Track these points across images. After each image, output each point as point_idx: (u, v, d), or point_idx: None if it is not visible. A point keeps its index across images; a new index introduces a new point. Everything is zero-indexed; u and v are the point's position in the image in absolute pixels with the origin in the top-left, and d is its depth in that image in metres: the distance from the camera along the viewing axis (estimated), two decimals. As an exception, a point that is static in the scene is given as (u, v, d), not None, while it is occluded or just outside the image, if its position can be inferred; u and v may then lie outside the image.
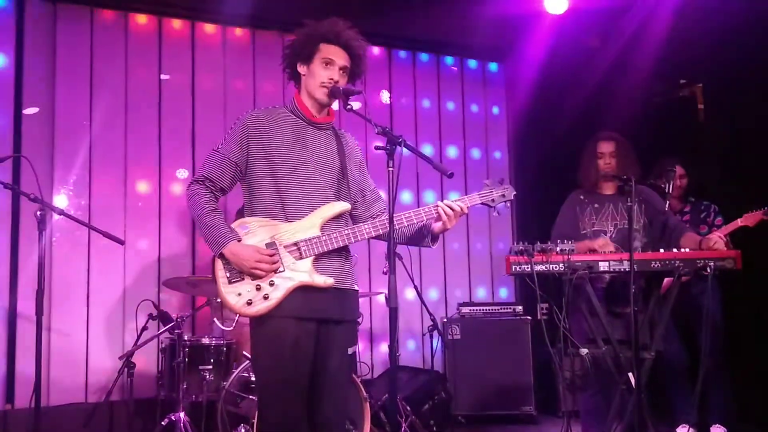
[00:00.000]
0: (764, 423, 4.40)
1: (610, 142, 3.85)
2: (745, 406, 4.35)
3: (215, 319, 3.87)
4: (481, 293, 6.01)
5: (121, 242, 3.44)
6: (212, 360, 4.07)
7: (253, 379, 3.92)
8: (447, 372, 5.13)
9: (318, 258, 2.50)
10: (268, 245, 2.47)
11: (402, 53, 5.97)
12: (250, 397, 3.87)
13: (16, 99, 4.66)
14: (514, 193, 2.65)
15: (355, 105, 2.54)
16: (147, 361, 4.71)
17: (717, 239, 3.44)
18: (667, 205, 3.81)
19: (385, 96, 5.86)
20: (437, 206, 2.56)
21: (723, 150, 4.84)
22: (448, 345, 5.10)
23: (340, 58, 2.59)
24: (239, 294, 2.45)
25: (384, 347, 5.36)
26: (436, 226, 2.62)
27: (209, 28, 5.29)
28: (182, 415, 3.89)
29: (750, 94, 4.66)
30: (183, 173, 5.11)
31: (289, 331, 2.43)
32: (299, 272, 2.47)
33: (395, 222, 2.47)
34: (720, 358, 4.18)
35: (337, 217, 2.57)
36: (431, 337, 4.73)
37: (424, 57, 6.06)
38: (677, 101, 5.60)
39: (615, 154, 3.80)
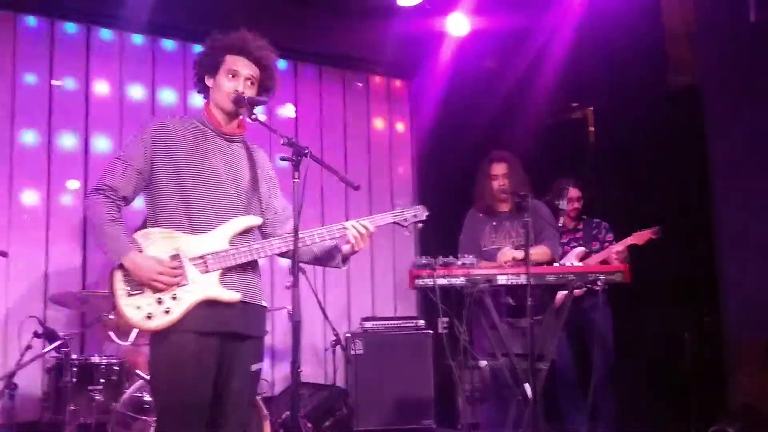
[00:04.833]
0: (646, 428, 4.63)
1: (501, 163, 4.03)
2: (629, 414, 4.57)
3: (111, 334, 3.69)
4: (383, 308, 6.03)
5: (4, 254, 3.22)
6: (102, 380, 3.87)
7: (146, 399, 3.76)
8: (349, 387, 5.10)
9: (225, 272, 2.42)
10: (172, 257, 2.38)
11: (308, 68, 5.95)
12: (143, 418, 3.70)
13: None
14: (427, 213, 2.68)
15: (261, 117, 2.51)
16: (31, 381, 4.41)
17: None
18: (565, 223, 3.98)
19: (290, 110, 5.82)
20: (345, 228, 2.54)
21: (613, 170, 5.10)
22: (351, 360, 5.07)
23: (245, 68, 2.54)
24: (138, 307, 2.33)
25: (285, 364, 5.27)
26: (346, 247, 2.60)
27: (106, 33, 5.08)
28: (69, 438, 3.68)
29: (637, 118, 4.95)
30: (74, 184, 4.86)
31: (191, 347, 2.34)
32: (204, 286, 2.38)
33: (305, 239, 2.44)
34: (608, 369, 4.38)
35: (247, 232, 2.51)
36: (333, 352, 4.69)
37: (330, 72, 6.06)
38: (570, 123, 5.87)
39: (507, 174, 3.97)
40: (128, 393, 3.74)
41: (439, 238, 5.67)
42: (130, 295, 2.35)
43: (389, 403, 5.03)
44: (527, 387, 3.30)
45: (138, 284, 2.35)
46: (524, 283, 3.40)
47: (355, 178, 5.74)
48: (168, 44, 5.31)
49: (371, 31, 5.61)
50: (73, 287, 4.63)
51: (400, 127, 6.37)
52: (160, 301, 2.34)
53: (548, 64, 5.41)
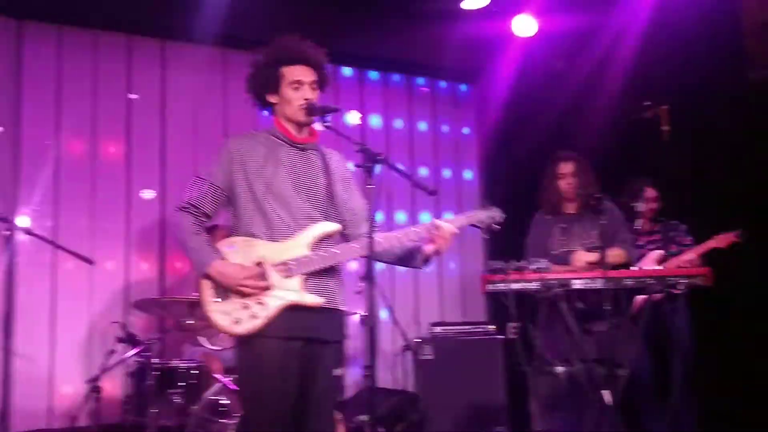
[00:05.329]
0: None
1: (569, 162, 3.93)
2: (711, 422, 4.41)
3: (203, 339, 3.79)
4: (451, 313, 6.00)
5: (91, 262, 3.37)
6: (182, 383, 3.97)
7: (223, 402, 3.85)
8: (420, 392, 5.09)
9: (307, 277, 2.47)
10: (256, 264, 2.45)
11: (373, 74, 6.00)
12: (221, 420, 3.79)
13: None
14: (503, 216, 2.67)
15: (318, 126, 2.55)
16: (114, 385, 4.58)
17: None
18: (640, 225, 3.87)
19: (355, 117, 5.87)
20: (428, 228, 2.57)
21: (689, 170, 4.94)
22: (421, 365, 5.06)
23: (306, 75, 2.57)
24: (226, 313, 2.41)
25: (356, 368, 5.30)
26: (429, 248, 2.61)
27: (181, 47, 5.24)
28: (153, 440, 3.79)
29: (714, 116, 4.78)
30: (149, 194, 5.03)
31: (276, 352, 2.40)
32: (288, 291, 2.44)
33: (386, 241, 2.48)
34: (688, 375, 4.23)
35: (327, 237, 2.55)
36: (404, 357, 4.70)
37: (395, 78, 6.09)
38: (642, 122, 5.71)
39: (575, 173, 3.87)
40: (206, 396, 3.83)
41: (505, 241, 5.60)
42: (217, 301, 2.42)
43: (460, 409, 4.99)
44: (606, 393, 3.22)
45: (225, 291, 2.43)
46: (601, 287, 3.33)
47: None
48: (238, 56, 5.43)
49: (436, 36, 5.60)
50: (152, 294, 4.80)
51: (466, 131, 6.34)
52: (246, 306, 2.41)
53: (618, 62, 5.28)
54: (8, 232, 2.88)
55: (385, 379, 5.55)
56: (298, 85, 2.55)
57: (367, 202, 2.69)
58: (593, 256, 3.62)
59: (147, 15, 4.94)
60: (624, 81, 5.25)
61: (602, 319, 3.36)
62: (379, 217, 5.62)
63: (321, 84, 2.64)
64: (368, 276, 2.40)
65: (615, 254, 3.67)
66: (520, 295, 3.49)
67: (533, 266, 3.43)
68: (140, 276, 4.93)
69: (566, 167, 3.88)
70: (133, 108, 5.05)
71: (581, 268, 3.58)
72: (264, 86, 2.60)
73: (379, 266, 4.52)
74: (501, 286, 3.40)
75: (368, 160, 2.44)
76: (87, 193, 4.84)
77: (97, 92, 4.94)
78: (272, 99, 2.60)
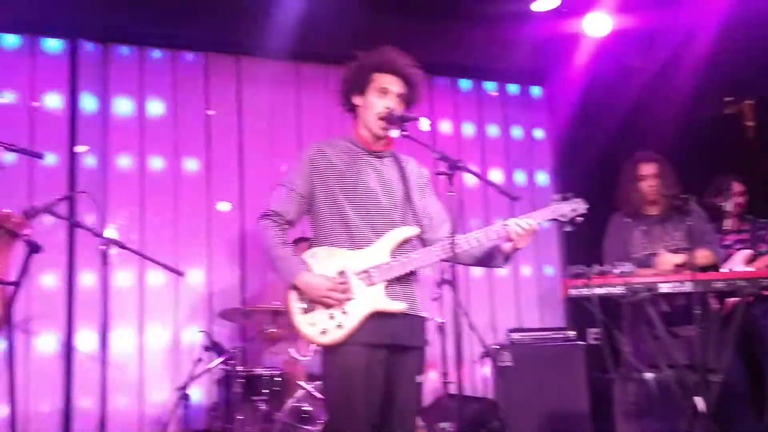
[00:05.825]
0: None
1: (651, 163, 3.82)
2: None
3: (292, 350, 3.88)
4: (528, 318, 5.92)
5: (181, 274, 3.49)
6: (266, 390, 4.06)
7: (306, 409, 3.92)
8: (499, 399, 5.04)
9: (389, 284, 2.50)
10: (339, 273, 2.50)
11: (442, 80, 6.00)
12: (305, 427, 3.86)
13: (70, 137, 4.79)
14: (587, 206, 2.60)
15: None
16: (201, 392, 4.73)
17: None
18: (729, 224, 3.73)
19: (425, 123, 5.88)
20: (506, 225, 2.54)
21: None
22: (500, 372, 5.01)
23: (395, 85, 2.60)
24: (313, 324, 2.47)
25: (433, 374, 5.29)
26: (507, 246, 2.59)
27: (254, 62, 5.38)
28: (239, 446, 3.89)
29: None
30: (226, 206, 5.17)
31: (361, 360, 2.44)
32: (371, 299, 2.47)
33: (466, 242, 2.48)
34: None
35: (406, 242, 2.58)
36: (482, 364, 4.66)
37: (464, 83, 6.08)
38: (723, 119, 5.51)
39: (657, 174, 3.76)
40: (290, 403, 3.91)
41: (582, 245, 5.50)
42: (304, 312, 2.48)
43: (542, 416, 4.91)
44: (698, 400, 3.11)
45: (311, 302, 2.47)
46: (689, 290, 3.22)
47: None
48: (311, 69, 5.54)
49: (505, 39, 5.57)
50: (234, 303, 4.92)
51: (538, 134, 6.26)
52: (332, 317, 2.45)
53: (693, 59, 5.13)
54: (104, 247, 3.01)
55: (463, 386, 5.53)
56: (384, 92, 2.59)
57: (444, 207, 2.72)
58: (679, 258, 3.51)
59: (222, 33, 5.10)
60: (700, 77, 5.10)
61: (690, 323, 3.25)
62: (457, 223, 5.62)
63: (409, 101, 2.64)
64: (451, 280, 2.41)
65: (703, 256, 3.55)
66: (603, 299, 3.42)
67: (617, 270, 3.35)
68: (222, 286, 5.08)
69: (648, 168, 3.77)
70: (212, 123, 5.21)
71: (668, 271, 3.48)
72: (352, 87, 2.64)
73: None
74: (584, 291, 3.33)
75: (449, 167, 2.44)
76: (170, 207, 5.02)
77: (177, 110, 5.12)
78: (356, 101, 2.64)
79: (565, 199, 2.63)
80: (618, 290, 3.33)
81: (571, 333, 5.14)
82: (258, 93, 5.35)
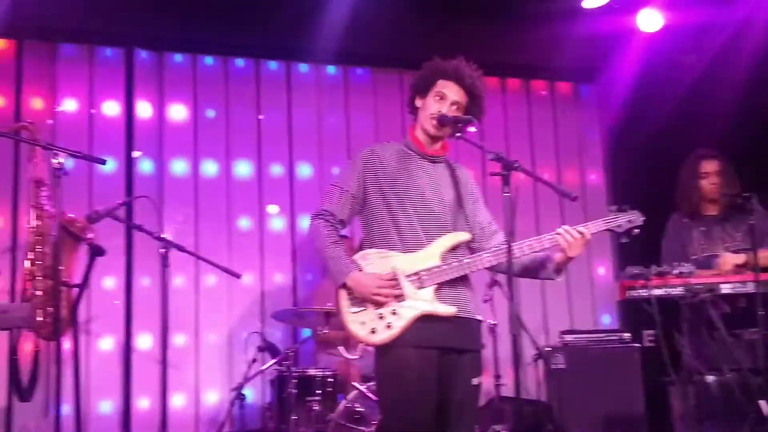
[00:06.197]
0: None
1: (713, 160, 3.72)
2: None
3: (341, 349, 3.91)
4: (581, 320, 5.83)
5: (238, 276, 3.56)
6: (319, 391, 4.10)
7: (359, 410, 3.94)
8: (552, 402, 4.98)
9: (439, 287, 2.50)
10: (389, 275, 2.50)
11: (491, 80, 5.95)
12: (358, 428, 3.88)
13: (127, 143, 4.92)
14: (643, 218, 2.57)
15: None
16: (255, 392, 4.80)
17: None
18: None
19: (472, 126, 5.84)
20: (557, 233, 2.51)
21: None
22: (553, 374, 4.95)
23: (453, 93, 2.61)
24: (363, 323, 2.48)
25: (485, 376, 5.26)
26: (558, 256, 2.56)
27: (303, 67, 5.44)
28: (293, 446, 3.93)
29: None
30: (274, 209, 5.23)
31: (413, 361, 2.44)
32: (421, 301, 2.48)
33: (518, 250, 2.46)
34: None
35: (456, 248, 2.58)
36: (536, 366, 4.61)
37: (512, 82, 6.03)
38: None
39: (720, 172, 3.66)
40: (343, 404, 3.94)
41: (637, 246, 5.39)
42: (354, 312, 2.49)
43: (596, 420, 4.82)
44: (763, 404, 3.02)
45: (361, 301, 2.49)
46: (751, 291, 3.13)
47: (545, 189, 5.65)
48: (358, 73, 5.58)
49: (555, 37, 5.50)
50: (286, 305, 4.99)
51: (588, 133, 6.16)
52: (381, 317, 2.46)
53: (748, 53, 4.98)
54: (164, 250, 3.09)
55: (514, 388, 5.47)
56: (442, 97, 2.61)
57: (492, 217, 2.73)
58: (741, 259, 3.41)
59: (272, 39, 5.17)
60: (754, 72, 4.94)
61: (753, 326, 3.16)
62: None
63: (470, 112, 2.63)
64: (509, 283, 2.38)
65: (765, 256, 3.45)
66: (661, 301, 3.34)
67: (676, 271, 3.28)
68: (274, 287, 5.14)
69: (710, 166, 3.67)
70: (262, 128, 5.28)
71: (729, 271, 3.38)
72: (417, 88, 2.68)
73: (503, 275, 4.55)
74: (642, 293, 3.27)
75: (503, 168, 2.43)
76: (223, 210, 5.10)
77: (229, 115, 5.21)
78: (417, 102, 2.68)
79: (621, 210, 2.60)
80: (677, 291, 3.26)
81: (626, 335, 5.05)
82: (307, 97, 5.41)
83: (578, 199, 2.43)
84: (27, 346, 3.18)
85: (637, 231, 2.57)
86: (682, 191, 3.78)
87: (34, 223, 2.95)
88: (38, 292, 2.89)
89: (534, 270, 2.65)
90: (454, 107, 2.61)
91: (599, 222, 2.58)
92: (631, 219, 2.56)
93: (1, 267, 2.71)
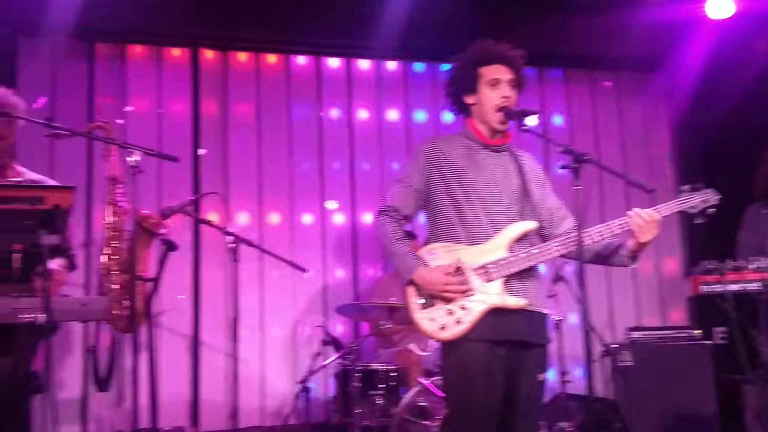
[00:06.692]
0: None
1: None
2: None
3: (412, 345, 3.94)
4: (648, 317, 5.69)
5: (305, 270, 3.60)
6: (382, 385, 4.12)
7: (423, 404, 3.94)
8: (620, 400, 4.87)
9: (507, 279, 2.47)
10: (456, 269, 2.48)
11: (554, 72, 5.87)
12: (423, 422, 3.88)
13: (193, 141, 5.04)
14: (719, 196, 2.47)
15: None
16: (318, 385, 4.84)
17: None
18: None
19: (533, 118, 5.76)
20: (627, 217, 2.45)
21: None
22: (620, 372, 4.84)
23: (504, 74, 2.58)
24: (432, 319, 2.47)
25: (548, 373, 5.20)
26: (631, 242, 2.50)
27: (363, 63, 5.47)
28: (358, 439, 3.97)
29: None
30: (333, 204, 5.27)
31: (481, 356, 2.42)
32: (490, 294, 2.45)
33: (589, 237, 2.42)
34: None
35: (523, 237, 2.54)
36: (602, 363, 4.53)
37: (576, 73, 5.92)
38: None
39: None
40: (407, 398, 3.95)
41: (707, 240, 5.23)
42: (423, 308, 2.48)
43: (666, 419, 4.70)
44: None
45: (429, 297, 2.48)
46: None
47: (611, 182, 5.53)
48: (417, 68, 5.57)
49: (619, 26, 5.37)
50: (347, 299, 5.03)
51: (656, 123, 6.00)
52: (450, 312, 2.45)
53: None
54: (233, 245, 3.15)
55: (582, 385, 5.38)
56: (496, 83, 2.56)
57: (561, 202, 2.68)
58: None
59: (333, 36, 5.21)
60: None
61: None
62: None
63: (518, 85, 2.63)
64: (580, 278, 2.33)
65: None
66: (736, 296, 3.23)
67: (753, 265, 3.16)
68: (336, 281, 5.19)
69: None
70: (324, 123, 5.33)
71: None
72: (461, 87, 2.63)
73: (569, 268, 4.47)
74: (717, 288, 3.16)
75: (574, 160, 2.38)
76: (286, 204, 5.18)
77: (291, 112, 5.27)
78: (469, 100, 2.63)
79: (694, 189, 2.50)
80: (754, 286, 3.14)
81: (697, 332, 4.90)
82: (367, 92, 5.43)
83: (655, 191, 2.35)
84: (104, 338, 3.31)
85: (712, 210, 2.46)
86: (759, 182, 3.63)
87: (110, 219, 3.05)
88: (114, 286, 2.99)
89: (607, 257, 2.58)
90: (510, 86, 2.57)
91: (672, 203, 2.49)
92: (706, 198, 2.46)
93: (78, 262, 2.80)
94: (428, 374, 4.06)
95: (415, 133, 5.42)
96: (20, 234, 2.26)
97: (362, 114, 5.41)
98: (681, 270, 5.74)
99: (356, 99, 5.40)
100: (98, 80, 4.89)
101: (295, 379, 4.59)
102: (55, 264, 2.58)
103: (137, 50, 5.06)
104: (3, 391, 2.37)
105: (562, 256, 2.51)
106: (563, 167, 2.40)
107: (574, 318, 5.34)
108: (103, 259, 3.03)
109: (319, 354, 4.25)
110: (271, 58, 5.31)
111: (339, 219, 5.28)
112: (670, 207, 2.49)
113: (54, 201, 2.18)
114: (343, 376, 4.21)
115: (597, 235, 2.47)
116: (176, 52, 5.13)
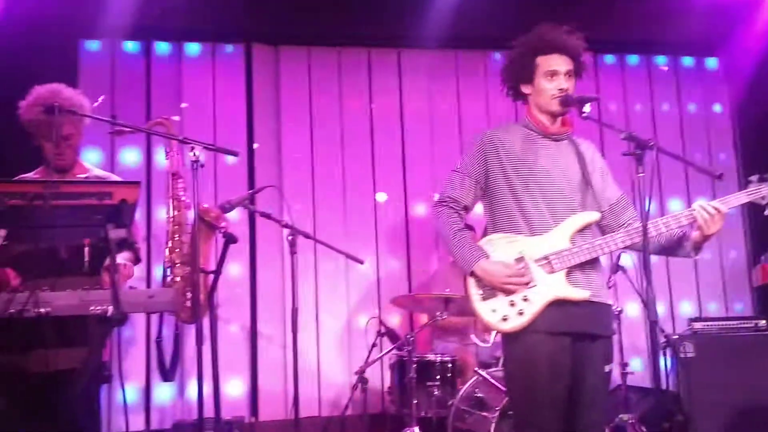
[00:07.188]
0: None
1: None
2: None
3: (473, 336, 3.92)
4: (712, 307, 5.54)
5: (361, 262, 3.62)
6: (438, 376, 4.12)
7: (480, 395, 3.93)
8: (681, 392, 4.76)
9: (570, 271, 2.44)
10: (517, 260, 2.46)
11: (609, 57, 5.74)
12: (480, 413, 3.86)
13: (248, 136, 5.11)
14: None
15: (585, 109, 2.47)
16: (374, 376, 4.87)
17: None
18: None
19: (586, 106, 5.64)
20: (693, 210, 2.40)
21: None
22: (682, 363, 4.73)
23: (561, 64, 2.53)
24: (494, 310, 2.45)
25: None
26: (695, 234, 2.44)
27: (413, 52, 5.44)
28: (417, 430, 3.96)
29: None
30: (383, 197, 5.27)
31: (544, 347, 2.40)
32: (552, 286, 2.42)
33: (654, 228, 2.36)
34: None
35: (585, 228, 2.50)
36: (665, 355, 4.44)
37: (632, 59, 5.78)
38: None
39: None
40: (464, 389, 3.93)
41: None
42: (484, 299, 2.47)
43: (730, 411, 4.58)
44: None
45: (490, 289, 2.46)
46: None
47: (670, 169, 5.40)
48: (468, 56, 5.52)
49: (676, 9, 5.22)
50: (401, 290, 5.03)
51: (717, 108, 5.81)
52: (512, 304, 2.43)
53: None
54: (291, 237, 3.18)
55: (640, 378, 5.28)
56: (553, 75, 2.52)
57: (622, 192, 2.63)
58: None
59: (383, 27, 5.20)
60: None
61: None
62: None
63: (577, 73, 2.58)
64: (645, 268, 2.28)
65: None
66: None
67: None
68: (389, 273, 5.20)
69: None
70: (375, 116, 5.34)
71: None
72: (518, 76, 2.59)
73: (628, 258, 4.37)
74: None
75: (637, 147, 2.33)
76: (339, 197, 5.21)
77: (343, 104, 5.30)
78: (526, 89, 2.59)
79: (763, 179, 2.42)
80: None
81: (762, 322, 4.76)
82: (418, 83, 5.41)
83: (723, 176, 2.29)
84: (166, 329, 3.39)
85: None
86: None
87: (172, 213, 3.12)
88: (177, 279, 3.06)
89: (671, 248, 2.54)
90: (567, 76, 2.52)
91: (740, 194, 2.43)
92: None
93: (141, 255, 2.88)
94: (485, 366, 4.03)
95: (467, 121, 5.37)
96: (89, 228, 2.33)
97: (413, 104, 5.39)
98: (745, 260, 5.56)
99: (406, 88, 5.38)
100: (155, 78, 5.00)
101: (351, 370, 4.63)
102: (122, 258, 2.65)
103: (192, 48, 5.15)
104: (77, 381, 2.45)
105: (626, 247, 2.46)
106: (625, 154, 2.34)
107: (633, 309, 5.24)
108: (167, 252, 3.10)
109: (374, 345, 4.27)
110: (323, 52, 5.32)
111: (392, 210, 5.28)
112: (738, 198, 2.43)
113: (121, 196, 2.23)
114: (399, 367, 4.21)
115: (663, 226, 2.42)
116: (229, 48, 5.20)
